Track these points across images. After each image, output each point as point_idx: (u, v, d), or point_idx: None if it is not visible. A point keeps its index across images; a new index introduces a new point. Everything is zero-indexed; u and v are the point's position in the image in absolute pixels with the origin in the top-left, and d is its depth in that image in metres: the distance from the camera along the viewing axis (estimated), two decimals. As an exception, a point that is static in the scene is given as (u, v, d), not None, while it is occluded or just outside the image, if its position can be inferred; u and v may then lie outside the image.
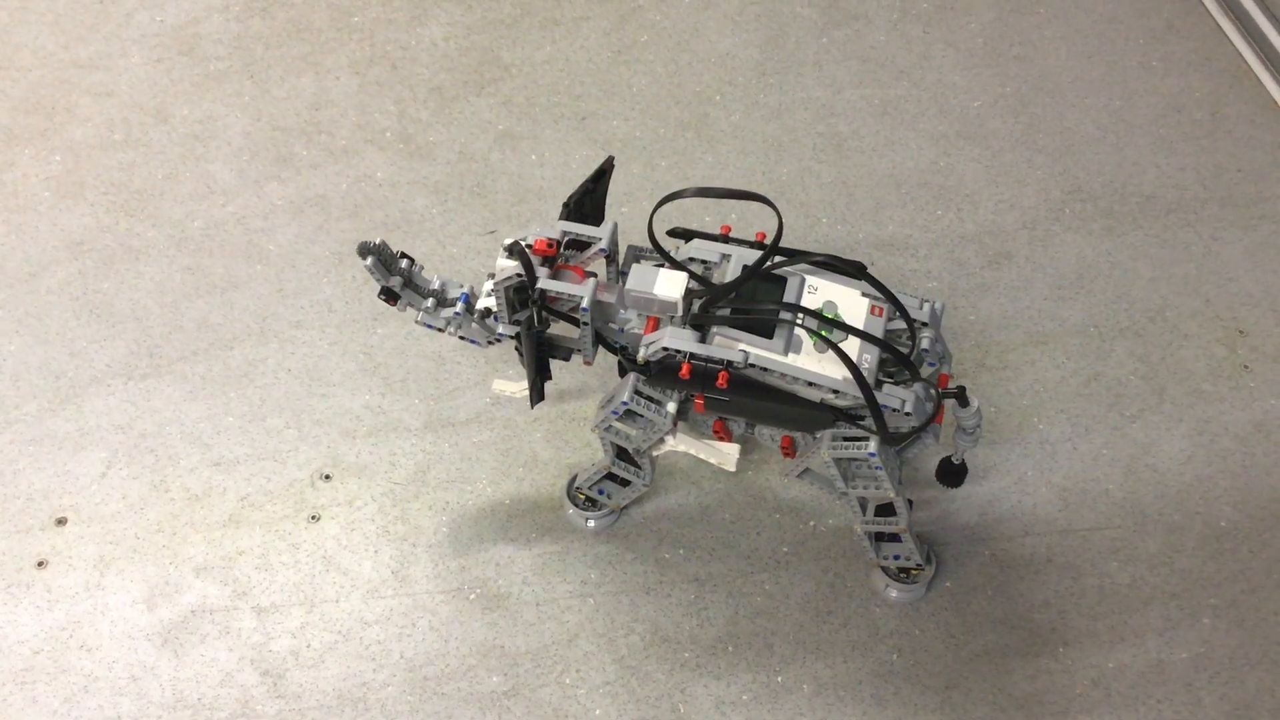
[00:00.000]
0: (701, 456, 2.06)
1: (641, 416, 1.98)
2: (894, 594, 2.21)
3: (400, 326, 2.56)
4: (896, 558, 2.16)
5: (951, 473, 2.16)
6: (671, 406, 1.94)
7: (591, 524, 2.29)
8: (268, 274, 2.65)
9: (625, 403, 1.94)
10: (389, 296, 1.97)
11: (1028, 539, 2.29)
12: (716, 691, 2.11)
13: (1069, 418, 2.45)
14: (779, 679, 2.13)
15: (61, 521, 2.28)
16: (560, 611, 2.19)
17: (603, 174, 2.02)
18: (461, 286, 2.03)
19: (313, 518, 2.29)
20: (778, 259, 1.90)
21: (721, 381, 1.82)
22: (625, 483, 2.22)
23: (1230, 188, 2.85)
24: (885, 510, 2.07)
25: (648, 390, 1.96)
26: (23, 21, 3.15)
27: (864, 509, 2.07)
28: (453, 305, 2.01)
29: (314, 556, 2.24)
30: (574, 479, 2.28)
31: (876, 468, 1.91)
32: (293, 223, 2.74)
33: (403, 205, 2.78)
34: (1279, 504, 2.34)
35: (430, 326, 2.00)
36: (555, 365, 2.13)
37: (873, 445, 1.86)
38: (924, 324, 1.91)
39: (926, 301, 1.93)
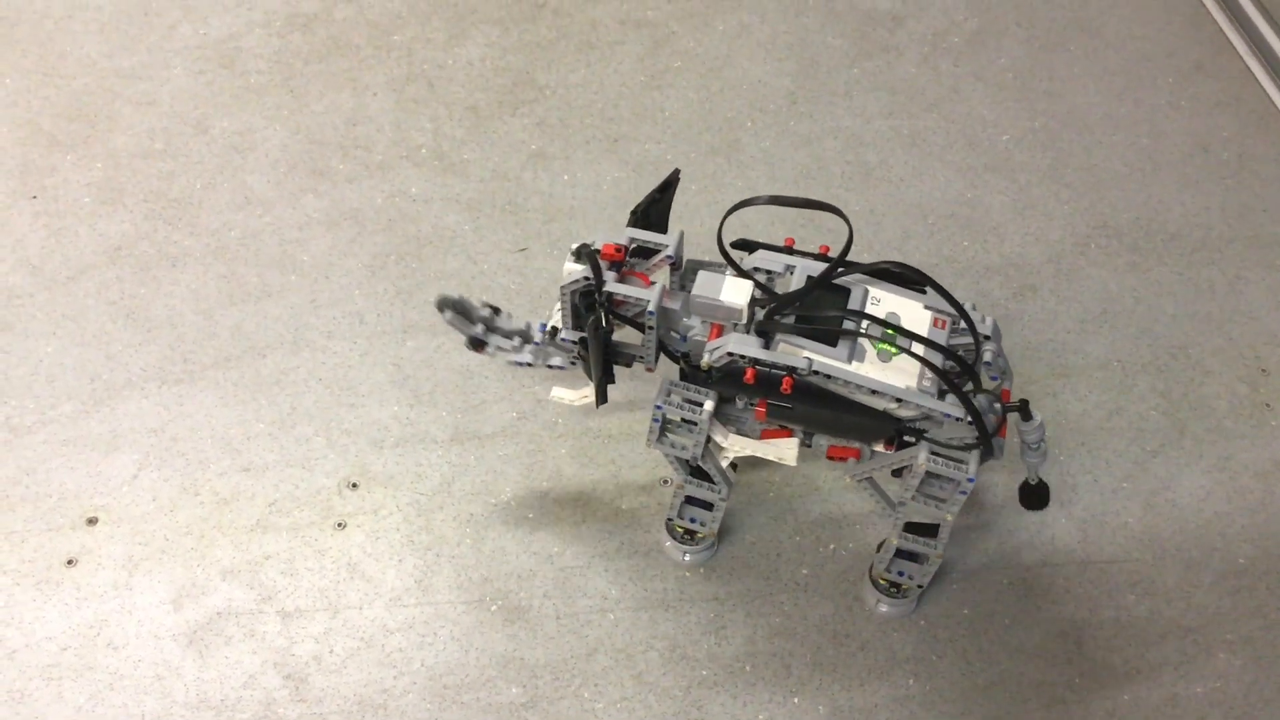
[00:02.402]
0: (760, 455, 2.05)
1: (681, 422, 1.98)
2: (884, 609, 2.23)
3: (430, 339, 2.59)
4: (901, 574, 2.16)
5: (1033, 495, 2.18)
6: (709, 404, 1.94)
7: (688, 558, 2.28)
8: (301, 285, 2.69)
9: (659, 406, 1.94)
10: (475, 345, 2.02)
11: (1046, 569, 2.31)
12: (733, 710, 2.12)
13: (1090, 450, 2.46)
14: (795, 700, 2.14)
15: (92, 521, 2.32)
16: (580, 626, 2.21)
17: (669, 185, 2.05)
18: (542, 321, 2.07)
19: (339, 525, 2.32)
20: (842, 270, 1.92)
21: (786, 387, 1.82)
22: (708, 506, 2.22)
23: (1256, 227, 2.87)
24: (920, 530, 2.06)
25: (683, 391, 1.96)
26: (68, 30, 3.22)
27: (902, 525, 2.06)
28: (535, 339, 2.07)
29: (339, 563, 2.27)
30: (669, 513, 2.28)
31: (961, 492, 1.90)
32: (327, 235, 2.78)
33: (435, 221, 2.82)
34: (1298, 542, 2.35)
35: (519, 364, 2.05)
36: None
37: (972, 468, 1.85)
38: (987, 337, 1.92)
39: (986, 315, 1.94)
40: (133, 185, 2.87)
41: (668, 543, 2.29)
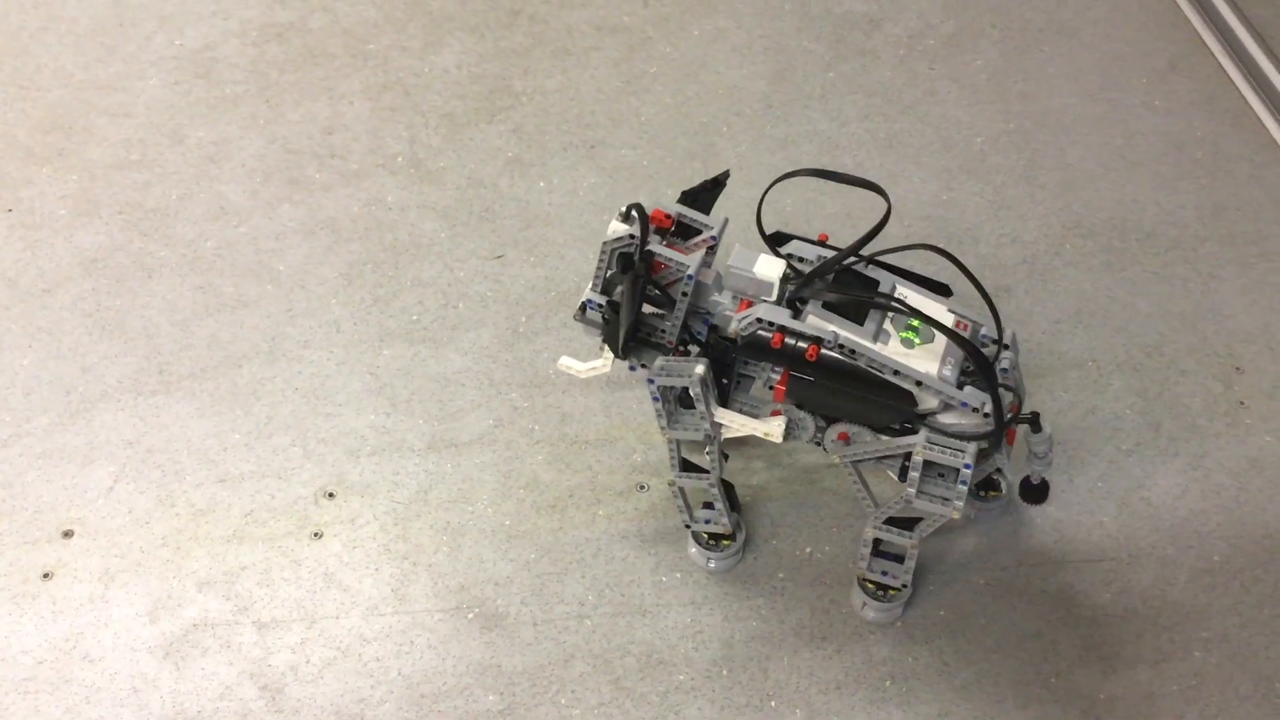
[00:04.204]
0: (748, 431, 2.03)
1: (671, 390, 1.99)
2: (871, 614, 2.23)
3: (406, 348, 2.60)
4: (885, 574, 2.17)
5: (1034, 491, 2.25)
6: (700, 368, 1.92)
7: (712, 564, 2.29)
8: (277, 294, 2.69)
9: (652, 381, 1.94)
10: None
11: (1022, 569, 2.31)
12: (710, 714, 2.13)
13: (1065, 450, 2.47)
14: (772, 704, 2.14)
15: (68, 534, 2.31)
16: (557, 632, 2.21)
17: (719, 183, 2.09)
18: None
19: (315, 535, 2.32)
20: (868, 262, 1.97)
21: (811, 354, 1.85)
22: (709, 505, 2.22)
23: (1229, 226, 2.88)
24: (898, 523, 2.06)
25: (671, 362, 1.96)
26: (43, 42, 3.21)
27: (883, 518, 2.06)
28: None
29: (315, 573, 2.27)
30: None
31: (961, 481, 1.88)
32: (303, 244, 2.78)
33: (412, 229, 2.82)
34: (1272, 540, 2.36)
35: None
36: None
37: (969, 455, 1.85)
38: (1006, 346, 1.95)
39: (1009, 327, 1.97)
40: (108, 197, 2.86)
41: (692, 550, 2.29)
